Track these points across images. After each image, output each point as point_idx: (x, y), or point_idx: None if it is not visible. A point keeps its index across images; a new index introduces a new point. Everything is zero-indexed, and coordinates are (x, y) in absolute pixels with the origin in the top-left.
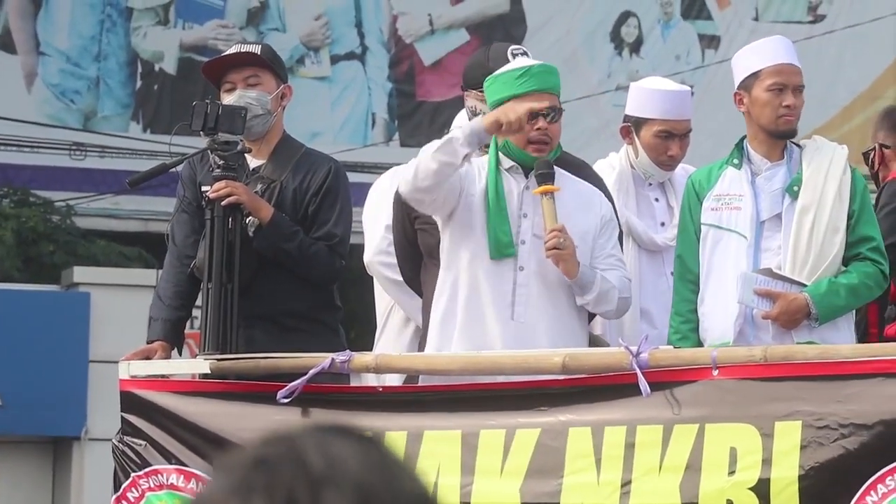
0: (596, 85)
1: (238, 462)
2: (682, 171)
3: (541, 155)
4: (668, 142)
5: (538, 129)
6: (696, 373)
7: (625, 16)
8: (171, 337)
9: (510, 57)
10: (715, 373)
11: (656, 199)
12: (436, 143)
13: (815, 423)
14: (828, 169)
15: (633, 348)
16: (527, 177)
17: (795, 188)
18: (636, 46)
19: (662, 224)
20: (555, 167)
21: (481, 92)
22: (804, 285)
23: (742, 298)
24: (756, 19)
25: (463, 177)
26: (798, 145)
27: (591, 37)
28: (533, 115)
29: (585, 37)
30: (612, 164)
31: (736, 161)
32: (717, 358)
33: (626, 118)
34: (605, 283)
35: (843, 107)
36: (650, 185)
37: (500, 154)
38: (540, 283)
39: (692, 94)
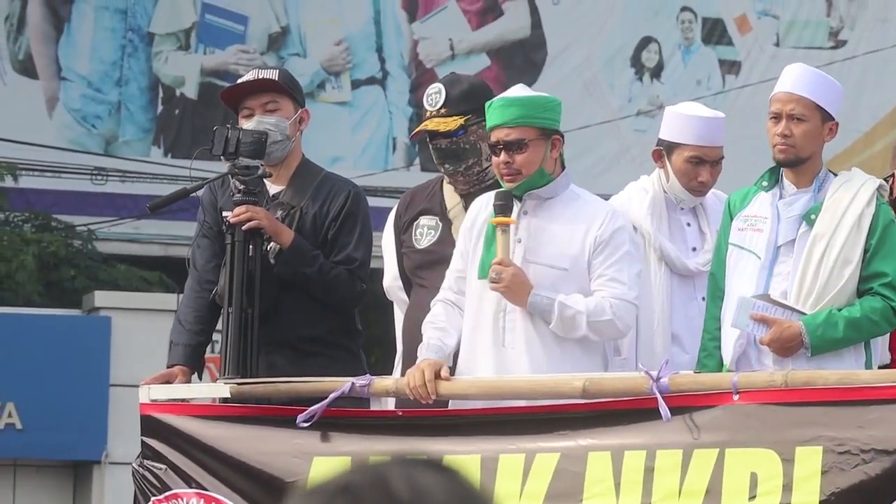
0: (616, 110)
1: (322, 488)
2: (714, 196)
3: (511, 185)
4: (699, 168)
5: (499, 162)
6: (717, 398)
7: (645, 41)
8: (192, 361)
9: (424, 100)
10: (735, 398)
11: (688, 224)
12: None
13: (835, 448)
14: (850, 200)
15: (654, 373)
16: (521, 202)
17: (812, 216)
18: (657, 71)
19: (694, 249)
20: (572, 192)
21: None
22: (804, 314)
23: (736, 322)
24: (777, 45)
25: (468, 243)
26: (835, 174)
27: (611, 62)
28: (495, 148)
29: (606, 62)
30: (646, 188)
31: (765, 184)
32: (737, 383)
33: (659, 142)
34: (565, 310)
35: (865, 132)
36: (682, 209)
37: None
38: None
39: None
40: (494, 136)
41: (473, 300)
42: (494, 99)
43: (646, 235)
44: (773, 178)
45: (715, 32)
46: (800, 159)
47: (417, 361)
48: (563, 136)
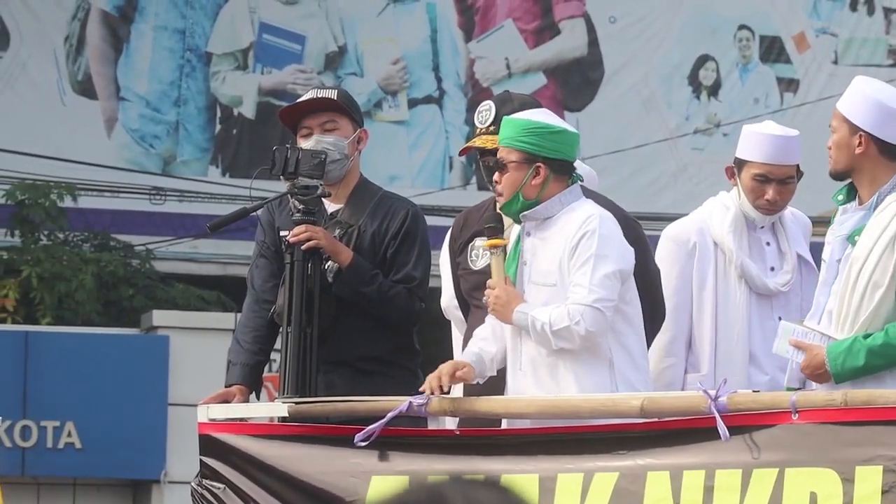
0: (674, 128)
1: None
2: (792, 216)
3: (499, 205)
4: (765, 186)
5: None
6: (776, 417)
7: (703, 59)
8: (250, 381)
9: (475, 117)
10: (795, 417)
11: (767, 244)
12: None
13: None
14: (890, 220)
15: (712, 392)
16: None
17: (856, 237)
18: (714, 90)
19: (772, 269)
20: (568, 208)
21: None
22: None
23: (777, 349)
24: (835, 62)
25: None
26: None
27: (668, 80)
28: (489, 170)
29: (663, 80)
30: (727, 204)
31: (840, 197)
32: (796, 402)
33: (734, 160)
34: (535, 323)
35: None
36: (762, 227)
37: None
38: None
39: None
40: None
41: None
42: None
43: (727, 253)
44: (849, 191)
45: (773, 51)
46: (837, 172)
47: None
48: (557, 167)
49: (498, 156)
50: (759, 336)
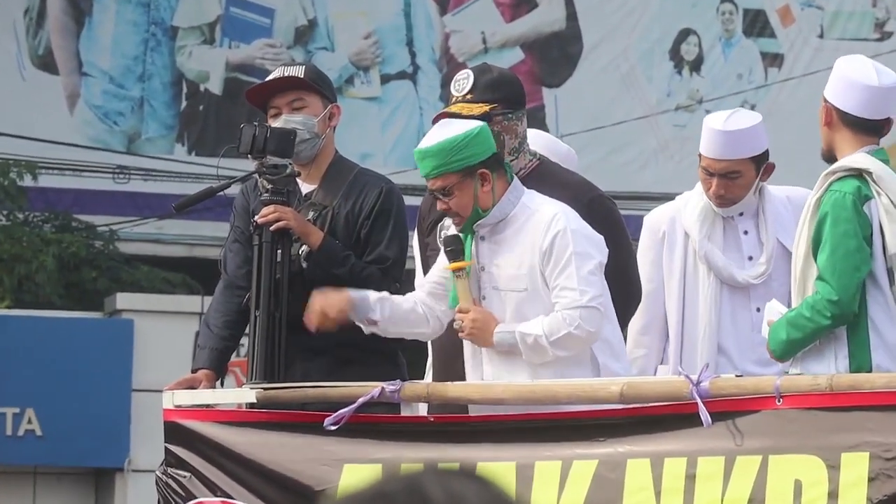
0: (654, 105)
1: (355, 497)
2: (787, 201)
3: (458, 228)
4: (710, 179)
5: (442, 209)
6: (759, 402)
7: (684, 33)
8: (217, 366)
9: (451, 86)
10: (778, 402)
11: (745, 232)
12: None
13: (883, 454)
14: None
15: (693, 377)
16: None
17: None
18: (696, 65)
19: (750, 258)
20: (525, 208)
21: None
22: None
23: (763, 331)
24: (821, 37)
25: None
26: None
27: (649, 55)
28: (434, 195)
29: (643, 55)
30: (702, 192)
31: None
32: (780, 387)
33: None
34: (526, 338)
35: None
36: (741, 214)
37: None
38: None
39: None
40: (429, 185)
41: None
42: (417, 149)
43: (692, 242)
44: None
45: (757, 24)
46: (822, 152)
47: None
48: (494, 165)
49: (435, 187)
50: (730, 328)
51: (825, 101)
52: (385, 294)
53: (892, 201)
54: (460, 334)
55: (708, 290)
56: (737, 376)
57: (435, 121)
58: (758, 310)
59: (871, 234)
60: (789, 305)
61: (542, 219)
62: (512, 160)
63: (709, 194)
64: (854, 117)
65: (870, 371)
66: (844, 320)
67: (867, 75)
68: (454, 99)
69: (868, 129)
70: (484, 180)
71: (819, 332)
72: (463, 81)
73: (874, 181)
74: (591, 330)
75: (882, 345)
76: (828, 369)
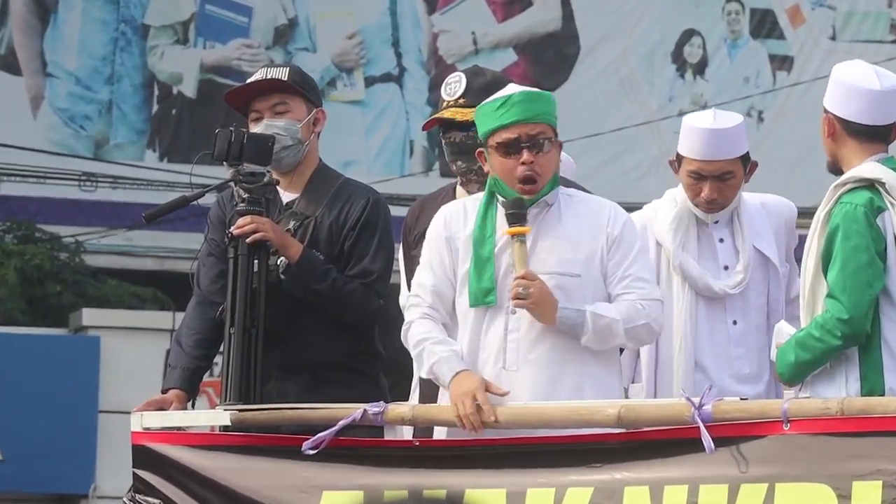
0: (656, 110)
1: None
2: (762, 207)
3: (530, 193)
4: (700, 183)
5: (522, 162)
6: (765, 427)
7: (688, 34)
8: (189, 387)
9: (442, 89)
10: (786, 427)
11: (721, 240)
12: (423, 366)
13: None
14: (823, 203)
15: (696, 399)
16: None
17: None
18: (700, 68)
19: (726, 268)
20: (563, 195)
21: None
22: None
23: (772, 354)
24: (833, 38)
25: (453, 265)
26: None
27: (650, 57)
28: (513, 147)
29: (644, 57)
30: (676, 198)
31: None
32: (788, 411)
33: (676, 153)
34: (599, 320)
35: None
36: (716, 222)
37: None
38: (532, 327)
39: (762, 119)
40: (513, 133)
41: (469, 326)
42: (506, 93)
43: (666, 252)
44: None
45: (765, 25)
46: (828, 164)
47: (447, 377)
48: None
49: (534, 133)
50: (707, 343)
51: (825, 111)
52: (443, 337)
53: None
54: (519, 302)
55: (683, 303)
56: (741, 399)
57: (426, 128)
58: (734, 322)
59: (886, 248)
60: (767, 317)
61: (601, 207)
62: None
63: (697, 200)
64: (858, 125)
65: (883, 395)
66: (856, 340)
67: (867, 79)
68: (446, 103)
69: (874, 137)
70: (559, 150)
71: (829, 353)
72: (455, 85)
73: (887, 191)
74: (661, 324)
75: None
76: (838, 393)
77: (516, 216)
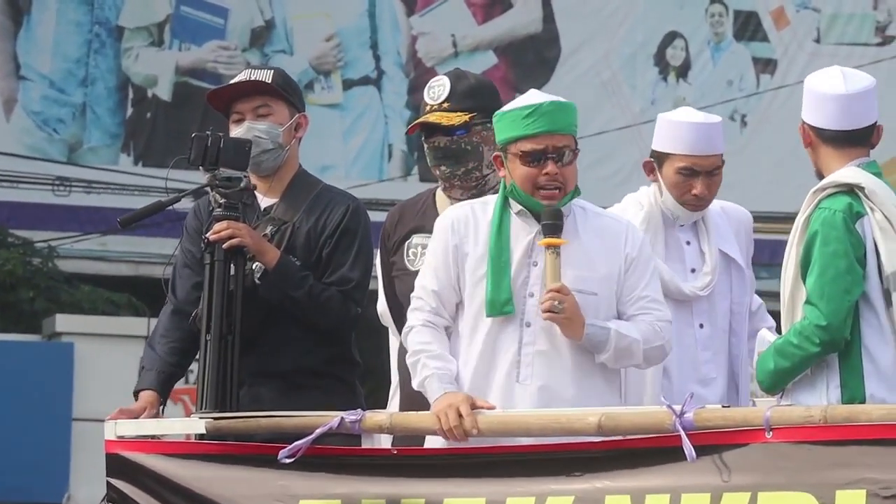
0: (638, 113)
1: None
2: (722, 211)
3: (550, 203)
4: (692, 180)
5: (546, 173)
6: (748, 435)
7: (670, 36)
8: (162, 390)
9: (425, 93)
10: (768, 435)
11: (687, 243)
12: (416, 377)
13: (881, 492)
14: (803, 209)
15: (677, 407)
16: (539, 222)
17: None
18: (683, 71)
19: (693, 270)
20: (577, 207)
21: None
22: None
23: (753, 364)
24: (817, 41)
25: (458, 272)
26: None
27: (632, 60)
28: (538, 158)
29: (626, 60)
30: (641, 202)
31: None
32: (770, 418)
33: (651, 153)
34: (621, 340)
35: None
36: (681, 226)
37: (508, 197)
38: (548, 339)
39: (745, 123)
40: (539, 144)
41: (481, 336)
42: (534, 102)
43: None
44: None
45: (748, 27)
46: (816, 173)
47: (434, 395)
48: None
49: (561, 145)
50: (674, 347)
51: (801, 121)
52: (440, 352)
53: (886, 217)
54: (550, 315)
55: None
56: (723, 407)
57: (410, 132)
58: (701, 326)
59: (865, 254)
60: (730, 320)
61: (619, 225)
62: (489, 174)
63: (686, 197)
64: (831, 132)
65: (863, 401)
66: (835, 347)
67: (833, 84)
68: (429, 107)
69: (851, 142)
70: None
71: (808, 360)
72: (438, 88)
73: (867, 196)
74: (671, 347)
75: (876, 373)
76: (819, 400)
77: (553, 227)
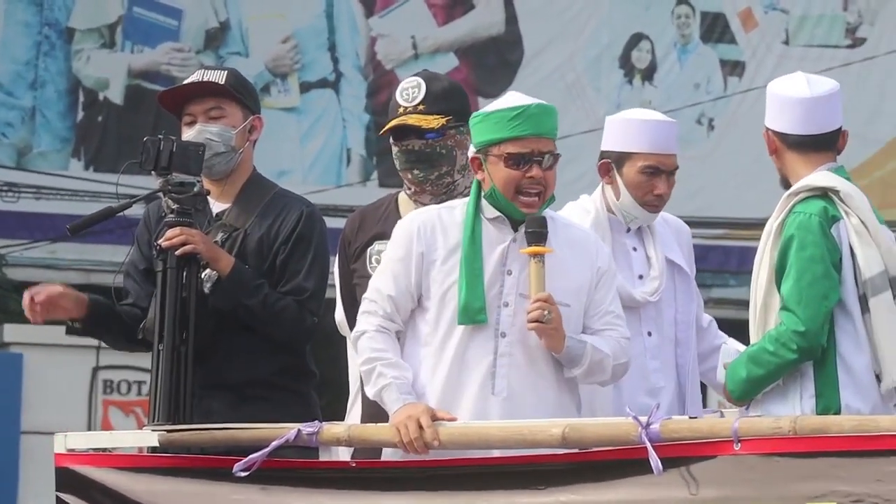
0: (603, 117)
1: None
2: (663, 220)
3: (531, 210)
4: (655, 179)
5: (530, 177)
6: (715, 447)
7: (636, 38)
8: (93, 305)
9: (398, 95)
10: (737, 447)
11: (634, 249)
12: (365, 376)
13: None
14: (775, 215)
15: (643, 418)
16: (515, 229)
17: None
18: (649, 73)
19: (640, 277)
20: (547, 217)
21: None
22: None
23: (719, 376)
24: (786, 43)
25: (419, 280)
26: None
27: (597, 62)
28: (523, 161)
29: (591, 62)
30: (587, 208)
31: None
32: (738, 430)
33: (605, 155)
34: (595, 354)
35: (887, 142)
36: (628, 231)
37: (483, 202)
38: (525, 351)
39: (712, 127)
40: (525, 147)
41: (451, 345)
42: (520, 104)
43: None
44: None
45: (716, 29)
46: (781, 180)
47: (393, 405)
48: None
49: (547, 150)
50: None
51: (766, 128)
52: (396, 360)
53: (862, 221)
54: (537, 325)
55: None
56: (690, 417)
57: (384, 133)
58: (649, 334)
59: (840, 259)
60: (677, 329)
61: (587, 236)
62: (459, 179)
63: (648, 198)
64: (796, 136)
65: (838, 412)
66: (812, 354)
67: (797, 88)
68: (403, 109)
69: (818, 147)
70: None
71: (784, 367)
72: (413, 90)
73: (842, 200)
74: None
75: (852, 383)
76: (792, 410)
77: (538, 235)
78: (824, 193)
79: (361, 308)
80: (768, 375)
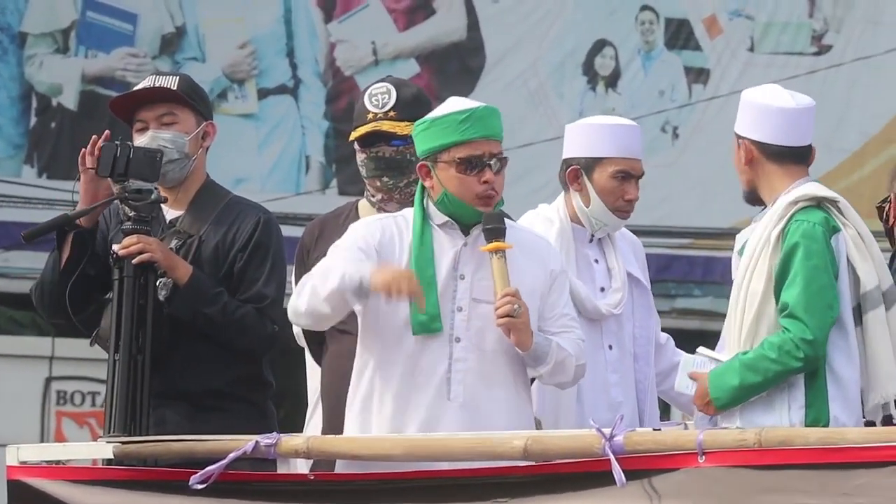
0: (566, 124)
1: None
2: (620, 234)
3: (487, 209)
4: (626, 184)
5: (485, 181)
6: (680, 459)
7: (599, 45)
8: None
9: (367, 101)
10: (701, 459)
11: (595, 261)
12: (323, 290)
13: None
14: (769, 222)
15: (607, 430)
16: (465, 234)
17: (743, 248)
18: (613, 80)
19: (602, 289)
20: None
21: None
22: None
23: (678, 385)
24: (751, 50)
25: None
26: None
27: (560, 69)
28: (476, 164)
29: (554, 69)
30: (550, 218)
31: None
32: (703, 442)
33: (571, 161)
34: (560, 352)
35: (853, 152)
36: (591, 241)
37: (431, 209)
38: (479, 355)
39: (677, 135)
40: (477, 150)
41: (403, 354)
42: (467, 107)
43: None
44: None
45: (680, 35)
46: (744, 192)
47: (367, 273)
48: None
49: (496, 152)
50: (588, 369)
51: (739, 138)
52: (355, 257)
53: (859, 234)
54: (508, 320)
55: None
56: (654, 430)
57: (352, 139)
58: (610, 347)
59: (838, 272)
60: (635, 344)
61: (539, 239)
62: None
63: (619, 203)
64: (777, 147)
65: (827, 424)
66: (814, 364)
67: (780, 99)
68: (373, 115)
69: (796, 159)
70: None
71: (783, 376)
72: (382, 96)
73: (840, 212)
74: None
75: (841, 396)
76: (779, 421)
77: (497, 231)
78: (819, 204)
79: (299, 285)
80: (765, 383)
